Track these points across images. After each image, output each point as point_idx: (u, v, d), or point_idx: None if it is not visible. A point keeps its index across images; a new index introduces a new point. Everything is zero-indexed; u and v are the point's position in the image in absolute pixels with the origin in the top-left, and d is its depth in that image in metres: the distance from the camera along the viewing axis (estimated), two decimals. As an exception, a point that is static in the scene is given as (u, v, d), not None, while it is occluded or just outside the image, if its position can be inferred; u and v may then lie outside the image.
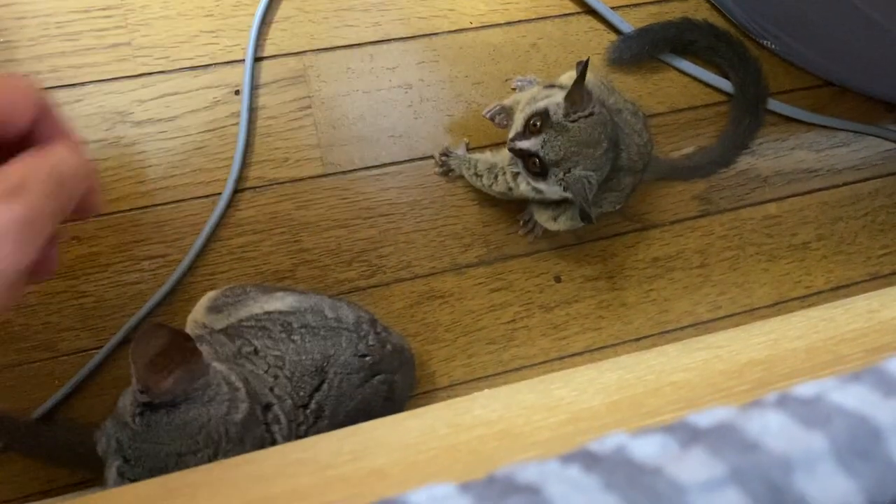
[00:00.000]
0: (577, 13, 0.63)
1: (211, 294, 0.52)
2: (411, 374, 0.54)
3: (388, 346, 0.50)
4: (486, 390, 0.33)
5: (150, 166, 0.55)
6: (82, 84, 0.54)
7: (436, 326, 0.60)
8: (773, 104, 0.66)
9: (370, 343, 0.49)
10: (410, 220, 0.60)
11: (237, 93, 0.57)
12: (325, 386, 0.46)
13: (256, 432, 0.42)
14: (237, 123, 0.56)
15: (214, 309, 0.51)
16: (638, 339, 0.64)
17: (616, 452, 0.17)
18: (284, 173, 0.58)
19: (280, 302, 0.50)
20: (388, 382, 0.50)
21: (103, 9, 0.55)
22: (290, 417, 0.44)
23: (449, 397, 0.61)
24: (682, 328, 0.65)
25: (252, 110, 0.57)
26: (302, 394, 0.45)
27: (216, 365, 0.42)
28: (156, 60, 0.56)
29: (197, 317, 0.52)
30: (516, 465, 0.18)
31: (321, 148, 0.58)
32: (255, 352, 0.46)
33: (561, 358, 0.63)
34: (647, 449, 0.17)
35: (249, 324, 0.48)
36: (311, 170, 0.58)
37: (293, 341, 0.47)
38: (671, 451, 0.16)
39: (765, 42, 0.66)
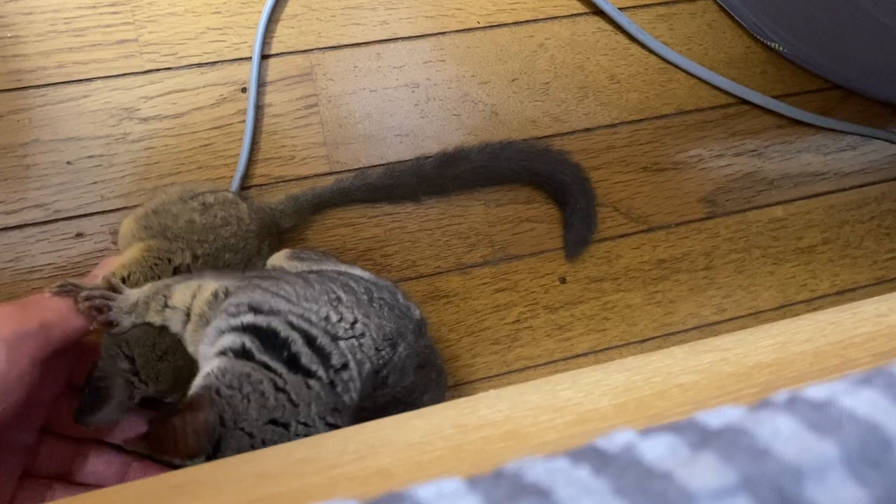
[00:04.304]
0: (585, 13, 0.63)
1: (288, 249, 0.51)
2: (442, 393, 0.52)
3: (432, 356, 0.49)
4: (491, 390, 0.33)
5: (156, 163, 0.55)
6: (89, 80, 0.54)
7: (440, 326, 0.60)
8: (781, 107, 0.66)
9: (424, 344, 0.47)
10: (415, 220, 0.60)
11: (244, 90, 0.57)
12: (395, 357, 0.42)
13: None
14: (243, 121, 0.56)
15: (297, 257, 0.50)
16: (643, 341, 0.64)
17: (625, 452, 0.17)
18: (290, 171, 0.58)
19: (359, 271, 0.48)
20: (430, 373, 0.48)
21: (111, 4, 0.55)
22: (366, 381, 0.40)
23: (452, 397, 0.60)
24: (686, 330, 0.65)
25: (258, 108, 0.57)
26: (380, 361, 0.41)
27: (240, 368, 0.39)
28: (163, 57, 0.56)
29: (275, 262, 0.50)
30: (524, 462, 0.18)
31: (327, 146, 0.58)
32: (339, 300, 0.42)
33: (565, 359, 0.62)
34: (656, 450, 0.17)
35: (333, 276, 0.45)
36: (317, 168, 0.58)
37: (374, 307, 0.43)
38: (681, 453, 0.16)
39: (773, 44, 0.65)
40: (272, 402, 0.38)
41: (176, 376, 0.45)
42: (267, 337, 0.39)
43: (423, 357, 0.46)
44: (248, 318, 0.39)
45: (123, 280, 0.45)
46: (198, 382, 0.39)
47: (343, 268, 0.49)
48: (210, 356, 0.40)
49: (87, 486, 0.46)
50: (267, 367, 0.39)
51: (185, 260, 0.47)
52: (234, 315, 0.40)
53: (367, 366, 0.40)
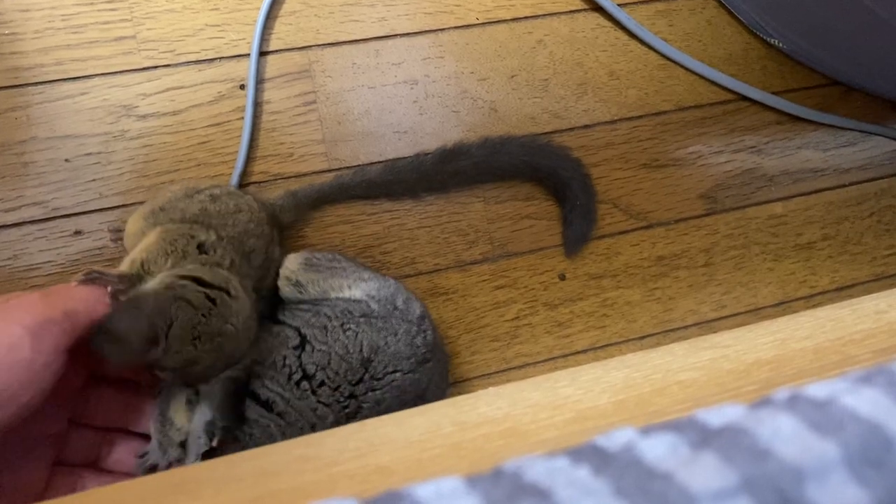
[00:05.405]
0: (584, 10, 0.63)
1: (303, 252, 0.53)
2: (446, 372, 0.56)
3: (436, 344, 0.52)
4: (491, 388, 0.33)
5: (154, 160, 0.55)
6: (87, 77, 0.54)
7: (439, 324, 0.60)
8: (780, 103, 0.66)
9: (427, 338, 0.50)
10: (415, 217, 0.60)
11: (242, 87, 0.57)
12: (366, 376, 0.47)
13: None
14: (242, 118, 0.56)
15: (312, 267, 0.52)
16: (642, 338, 0.64)
17: (625, 451, 0.17)
18: (289, 168, 0.58)
19: (359, 289, 0.51)
20: (433, 371, 0.51)
21: (108, 1, 0.54)
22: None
23: (452, 395, 0.60)
24: (686, 327, 0.65)
25: (257, 105, 0.57)
26: (343, 395, 0.46)
27: None
28: (161, 54, 0.55)
29: (288, 273, 0.52)
30: (524, 460, 0.17)
31: (326, 143, 0.58)
32: (302, 345, 0.46)
33: (565, 356, 0.62)
34: (657, 450, 0.17)
35: (305, 310, 0.49)
36: (316, 165, 0.58)
37: (345, 333, 0.47)
38: (681, 453, 0.16)
39: (772, 40, 0.65)
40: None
41: (188, 363, 0.42)
42: (252, 398, 0.45)
43: (419, 355, 0.49)
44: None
45: (143, 264, 0.44)
46: (201, 432, 0.44)
47: (349, 282, 0.51)
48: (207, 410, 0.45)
49: (114, 474, 0.47)
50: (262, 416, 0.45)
51: (209, 237, 0.46)
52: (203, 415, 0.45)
53: (330, 416, 0.46)
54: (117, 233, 0.54)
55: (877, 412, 0.15)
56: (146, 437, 0.48)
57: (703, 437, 0.16)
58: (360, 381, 0.47)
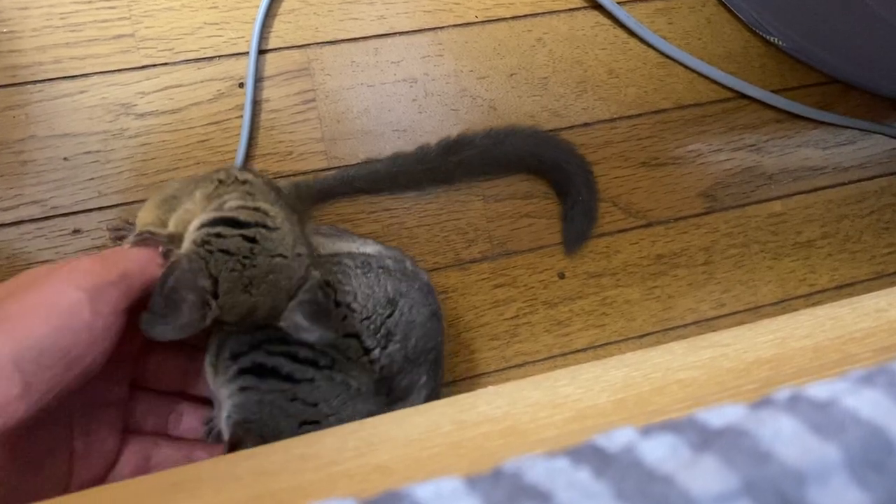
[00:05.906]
0: (584, 8, 0.63)
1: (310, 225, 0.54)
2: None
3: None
4: (490, 387, 0.33)
5: (153, 159, 0.55)
6: (86, 75, 0.54)
7: (439, 321, 0.60)
8: (780, 101, 0.66)
9: (436, 301, 0.51)
10: (414, 215, 0.60)
11: (241, 85, 0.57)
12: (396, 313, 0.47)
13: None
14: (241, 116, 0.56)
15: (319, 234, 0.53)
16: (641, 337, 0.64)
17: (626, 452, 0.17)
18: (288, 167, 0.58)
19: (370, 247, 0.52)
20: (441, 334, 0.52)
21: None
22: (359, 355, 0.45)
23: (451, 394, 0.60)
24: (685, 325, 0.65)
25: (256, 103, 0.57)
26: (375, 324, 0.46)
27: None
28: (159, 52, 0.55)
29: None
30: (524, 461, 0.17)
31: (325, 141, 0.58)
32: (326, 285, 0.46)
33: (564, 354, 0.62)
34: (657, 451, 0.17)
35: (329, 260, 0.49)
36: (315, 163, 0.58)
37: (367, 277, 0.47)
38: (682, 454, 0.16)
39: (772, 38, 0.65)
40: (293, 410, 0.43)
41: (249, 313, 0.40)
42: (258, 370, 0.43)
43: (433, 309, 0.50)
44: (234, 368, 0.44)
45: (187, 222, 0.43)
46: (224, 427, 0.43)
47: (358, 243, 0.52)
48: (224, 398, 0.44)
49: (187, 441, 0.47)
50: (272, 389, 0.43)
51: (255, 178, 0.46)
52: (226, 369, 0.44)
53: (354, 344, 0.45)
54: (116, 231, 0.54)
55: (878, 414, 0.15)
56: (210, 403, 0.48)
57: (703, 438, 0.16)
58: (391, 315, 0.47)
